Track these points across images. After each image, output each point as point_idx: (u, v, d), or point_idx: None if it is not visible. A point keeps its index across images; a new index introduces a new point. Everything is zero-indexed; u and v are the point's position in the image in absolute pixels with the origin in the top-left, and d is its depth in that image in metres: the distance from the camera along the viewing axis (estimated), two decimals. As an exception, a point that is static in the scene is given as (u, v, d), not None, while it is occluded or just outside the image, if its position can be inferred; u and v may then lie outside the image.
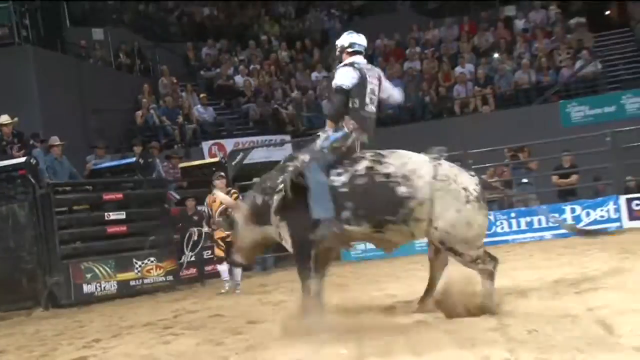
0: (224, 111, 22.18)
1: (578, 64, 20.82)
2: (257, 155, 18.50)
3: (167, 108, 20.52)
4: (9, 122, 13.58)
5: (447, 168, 6.55)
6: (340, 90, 6.99)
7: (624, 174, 15.55)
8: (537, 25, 22.84)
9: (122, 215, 13.73)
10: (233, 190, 12.14)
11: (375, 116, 7.22)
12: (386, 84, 7.43)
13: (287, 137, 20.42)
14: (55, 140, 14.30)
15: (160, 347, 7.53)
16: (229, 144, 19.51)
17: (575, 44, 21.44)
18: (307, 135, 20.55)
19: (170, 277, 13.83)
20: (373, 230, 6.61)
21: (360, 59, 7.32)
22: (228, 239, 11.33)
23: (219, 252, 12.16)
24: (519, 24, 23.15)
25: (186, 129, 20.25)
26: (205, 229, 12.28)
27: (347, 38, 7.50)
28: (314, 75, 23.01)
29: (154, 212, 14.41)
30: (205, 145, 19.62)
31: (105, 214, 13.61)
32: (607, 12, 25.03)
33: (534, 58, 21.34)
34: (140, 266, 13.46)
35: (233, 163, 16.66)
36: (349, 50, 7.39)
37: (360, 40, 7.50)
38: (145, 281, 13.55)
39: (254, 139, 20.03)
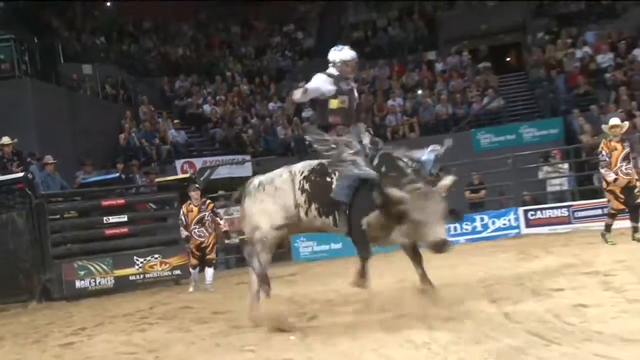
0: (194, 134, 22.08)
1: (485, 99, 21.22)
2: (222, 172, 18.47)
3: (145, 132, 20.35)
4: (10, 142, 13.58)
5: None
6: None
7: (522, 189, 15.89)
8: (453, 68, 23.18)
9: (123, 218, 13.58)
10: (209, 201, 11.86)
11: None
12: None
13: (248, 157, 20.39)
14: (49, 158, 14.16)
15: (137, 334, 7.47)
16: (198, 162, 19.44)
17: (482, 83, 21.84)
18: (264, 155, 20.60)
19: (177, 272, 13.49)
20: None
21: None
22: (203, 246, 11.49)
23: (194, 260, 11.75)
24: (439, 66, 23.45)
25: (162, 149, 20.11)
26: (184, 233, 11.65)
27: (332, 55, 7.30)
28: (271, 105, 23.03)
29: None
30: (178, 163, 19.51)
31: (104, 218, 13.44)
32: (508, 59, 25.69)
33: (451, 94, 21.67)
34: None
35: (202, 178, 16.56)
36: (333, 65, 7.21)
37: (342, 55, 7.24)
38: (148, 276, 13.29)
39: (220, 158, 19.97)
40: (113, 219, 13.30)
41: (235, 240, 15.80)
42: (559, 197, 15.57)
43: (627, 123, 11.37)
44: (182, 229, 11.62)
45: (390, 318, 5.93)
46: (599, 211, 14.11)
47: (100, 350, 6.80)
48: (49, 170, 14.04)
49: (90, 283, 12.85)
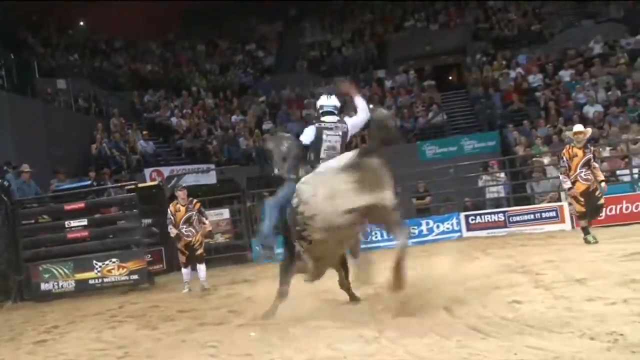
0: (162, 145, 21.79)
1: (430, 114, 21.44)
2: (188, 180, 18.23)
3: (116, 142, 19.98)
4: (-13, 152, 13.18)
5: None
6: (302, 145, 6.78)
7: (463, 196, 16.11)
8: (400, 85, 23.38)
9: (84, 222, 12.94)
10: (195, 200, 11.17)
11: None
12: (352, 125, 7.17)
13: (212, 166, 20.21)
14: (25, 167, 13.83)
15: (107, 331, 7.36)
16: (165, 170, 19.14)
17: (427, 99, 22.03)
18: (227, 164, 20.48)
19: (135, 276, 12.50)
20: None
21: (328, 119, 6.99)
22: (191, 245, 10.91)
23: (183, 258, 11.09)
24: (388, 83, 23.61)
25: (131, 158, 19.77)
26: (173, 231, 10.84)
27: (319, 102, 7.18)
28: (234, 118, 22.87)
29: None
30: (147, 171, 19.17)
31: (66, 222, 12.88)
32: (450, 77, 26.10)
33: (399, 109, 21.84)
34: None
35: (169, 186, 16.35)
36: (320, 111, 7.09)
37: (329, 101, 7.13)
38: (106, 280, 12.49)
39: (186, 167, 19.74)
40: (74, 223, 12.69)
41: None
42: (496, 203, 15.80)
43: (589, 129, 11.33)
44: (170, 227, 10.89)
45: (341, 313, 5.94)
46: (532, 216, 14.41)
47: (71, 347, 6.68)
48: (24, 178, 13.72)
49: (53, 286, 12.41)
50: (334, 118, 7.01)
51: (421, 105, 21.82)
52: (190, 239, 10.94)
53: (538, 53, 22.79)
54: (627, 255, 8.31)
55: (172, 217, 10.93)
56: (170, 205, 11.18)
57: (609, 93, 19.40)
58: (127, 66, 25.17)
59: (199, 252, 11.03)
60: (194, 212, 10.96)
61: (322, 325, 5.81)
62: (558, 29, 24.08)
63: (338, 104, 7.22)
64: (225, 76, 25.90)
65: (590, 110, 18.79)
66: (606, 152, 15.84)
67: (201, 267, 11.01)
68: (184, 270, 11.15)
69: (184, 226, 10.87)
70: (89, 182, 15.52)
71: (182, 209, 10.94)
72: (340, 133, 6.97)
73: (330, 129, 6.91)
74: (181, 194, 11.03)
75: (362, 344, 5.08)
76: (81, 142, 19.70)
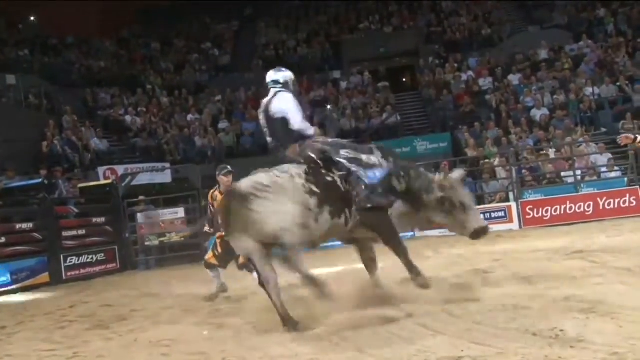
0: (116, 143, 21.41)
1: (384, 115, 21.63)
2: (143, 178, 17.98)
3: (69, 140, 19.52)
4: None
5: None
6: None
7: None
8: (355, 86, 23.51)
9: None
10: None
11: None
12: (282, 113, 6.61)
13: (167, 165, 19.97)
14: (-26, 164, 13.37)
15: (57, 332, 7.20)
16: (120, 169, 18.78)
17: (382, 101, 22.23)
18: (183, 163, 20.25)
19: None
20: None
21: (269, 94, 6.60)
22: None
23: (213, 260, 8.45)
24: (343, 84, 23.75)
25: (85, 157, 19.36)
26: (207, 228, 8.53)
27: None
28: (189, 116, 22.63)
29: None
30: (101, 169, 18.80)
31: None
32: (404, 79, 26.40)
33: (354, 110, 21.98)
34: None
35: (123, 184, 16.09)
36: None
37: (273, 75, 6.75)
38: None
39: (140, 165, 19.42)
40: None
41: (155, 242, 15.46)
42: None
43: None
44: (205, 223, 8.55)
45: (297, 314, 5.95)
46: (481, 216, 14.66)
47: (20, 348, 6.51)
48: (-27, 176, 13.29)
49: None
50: (272, 92, 6.54)
51: (375, 106, 21.99)
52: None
53: (488, 57, 23.27)
54: (569, 255, 8.58)
55: (211, 207, 8.56)
56: (209, 193, 8.87)
57: (555, 97, 19.95)
58: (79, 63, 24.61)
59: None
60: None
61: (273, 324, 5.81)
62: (507, 34, 24.63)
63: (281, 78, 6.70)
64: (181, 75, 25.60)
65: (537, 114, 19.30)
66: (551, 154, 16.29)
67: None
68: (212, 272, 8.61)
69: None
70: (39, 181, 15.15)
71: (220, 197, 8.13)
72: (263, 115, 6.59)
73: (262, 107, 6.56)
74: (225, 180, 8.37)
75: (315, 343, 5.10)
76: (32, 140, 19.16)
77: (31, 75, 22.06)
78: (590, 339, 4.35)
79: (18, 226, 13.13)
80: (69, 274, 13.41)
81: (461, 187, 6.55)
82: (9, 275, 12.33)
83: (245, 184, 5.75)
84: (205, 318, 6.71)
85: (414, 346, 4.66)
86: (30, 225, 13.27)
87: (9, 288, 12.18)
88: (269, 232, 5.53)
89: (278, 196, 5.63)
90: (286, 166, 6.04)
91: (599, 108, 19.31)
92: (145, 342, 5.99)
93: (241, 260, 8.04)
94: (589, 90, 19.67)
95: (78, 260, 13.64)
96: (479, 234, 6.59)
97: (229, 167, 8.60)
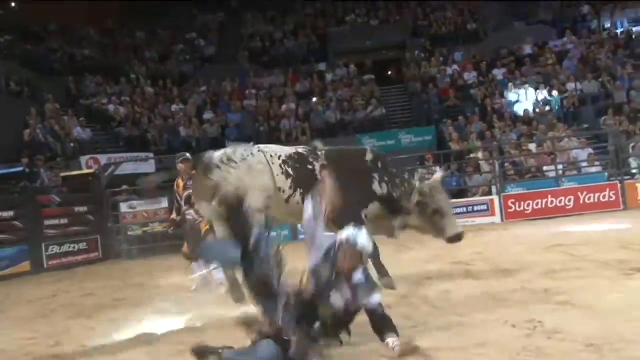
0: (99, 132, 21.19)
1: (369, 108, 21.64)
2: (127, 168, 17.87)
3: (51, 128, 19.32)
4: None
5: None
6: None
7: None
8: (341, 78, 23.47)
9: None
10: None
11: None
12: None
13: (151, 154, 19.85)
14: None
15: (38, 320, 7.16)
16: (103, 158, 18.62)
17: (367, 93, 22.24)
18: (166, 153, 20.13)
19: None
20: None
21: None
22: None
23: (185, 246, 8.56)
24: (329, 76, 23.68)
25: (67, 145, 19.16)
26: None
27: None
28: (173, 107, 22.48)
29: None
30: (83, 159, 18.60)
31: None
32: (389, 72, 26.42)
33: (339, 102, 21.97)
34: None
35: (106, 174, 16.00)
36: None
37: None
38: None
39: (124, 155, 19.28)
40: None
41: (138, 232, 15.38)
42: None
43: None
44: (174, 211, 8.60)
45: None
46: (464, 209, 14.79)
47: (1, 336, 6.46)
48: (-48, 163, 13.13)
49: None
50: None
51: (361, 99, 21.99)
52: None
53: (473, 51, 23.37)
54: (549, 247, 8.69)
55: (177, 195, 8.72)
56: (176, 180, 8.89)
57: (538, 92, 20.10)
58: (62, 51, 24.31)
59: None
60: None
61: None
62: (492, 29, 24.75)
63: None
64: (165, 64, 25.40)
65: (520, 108, 19.45)
66: (533, 149, 16.44)
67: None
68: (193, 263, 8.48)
69: (186, 206, 8.44)
70: (21, 169, 15.01)
71: (181, 183, 8.65)
72: None
73: None
74: (182, 167, 8.70)
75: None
76: (12, 128, 18.89)
77: (12, 61, 21.74)
78: (568, 330, 4.43)
79: (-1, 214, 13.00)
80: (50, 262, 13.32)
81: (439, 193, 6.74)
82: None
83: (214, 154, 6.51)
84: (189, 307, 6.71)
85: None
86: (11, 213, 13.15)
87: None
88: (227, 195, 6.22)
89: (239, 171, 6.32)
90: (272, 146, 6.82)
91: (582, 103, 19.49)
92: (128, 331, 5.99)
93: (184, 249, 8.68)
94: (571, 85, 19.85)
95: (60, 249, 13.55)
96: (454, 239, 6.79)
97: (186, 154, 9.07)
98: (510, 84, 20.66)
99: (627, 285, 5.80)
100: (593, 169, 15.47)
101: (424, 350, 4.25)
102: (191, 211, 8.29)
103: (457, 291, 6.34)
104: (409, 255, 9.38)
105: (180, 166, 8.79)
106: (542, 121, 18.22)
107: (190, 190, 7.84)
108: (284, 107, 21.91)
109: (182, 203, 8.54)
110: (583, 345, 4.08)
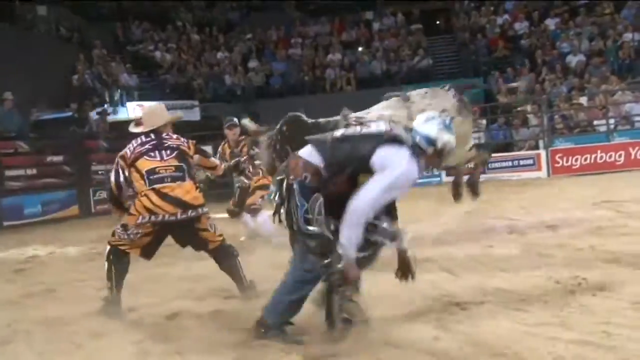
0: (146, 79, 21.42)
1: (416, 59, 21.24)
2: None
3: (98, 74, 19.59)
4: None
5: None
6: None
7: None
8: (388, 28, 23.05)
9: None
10: (243, 142, 8.06)
11: None
12: None
13: (196, 102, 19.99)
14: (8, 95, 13.52)
15: (87, 263, 7.32)
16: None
17: (414, 44, 21.82)
18: (211, 102, 20.26)
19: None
20: None
21: None
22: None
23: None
24: (376, 25, 23.24)
25: (114, 92, 19.44)
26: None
27: None
28: (219, 55, 22.49)
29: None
30: (130, 105, 18.89)
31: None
32: (437, 22, 25.68)
33: (385, 52, 21.61)
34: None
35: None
36: None
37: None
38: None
39: (169, 102, 19.38)
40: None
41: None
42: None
43: None
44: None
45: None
46: (509, 163, 14.56)
47: (53, 276, 6.68)
48: (7, 107, 13.45)
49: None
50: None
51: (408, 49, 21.58)
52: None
53: (525, 0, 22.49)
54: (597, 204, 8.49)
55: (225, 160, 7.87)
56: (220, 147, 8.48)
57: (592, 43, 19.31)
58: (110, -3, 24.41)
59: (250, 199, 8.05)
60: (243, 158, 7.58)
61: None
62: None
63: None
64: (212, 12, 25.30)
65: (573, 60, 18.74)
66: (584, 102, 15.92)
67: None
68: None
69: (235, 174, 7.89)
70: (70, 114, 15.33)
71: (228, 151, 8.22)
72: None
73: None
74: (230, 133, 8.19)
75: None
76: (62, 73, 19.19)
77: (62, 6, 21.93)
78: (614, 287, 4.35)
79: (49, 159, 13.36)
80: (98, 207, 13.62)
81: None
82: (39, 207, 12.64)
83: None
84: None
85: (436, 290, 4.70)
86: (61, 158, 13.47)
87: (40, 219, 12.49)
88: None
89: None
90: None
91: (638, 55, 18.65)
92: (174, 276, 6.13)
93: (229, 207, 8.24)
94: (628, 36, 18.96)
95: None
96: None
97: (234, 119, 8.26)
98: (563, 34, 19.89)
99: (678, 244, 5.64)
100: (647, 124, 14.91)
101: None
102: (241, 178, 8.02)
103: (500, 247, 6.27)
104: (451, 209, 9.28)
105: (227, 132, 8.18)
106: (595, 74, 17.55)
107: (239, 159, 7.22)
108: (329, 56, 21.67)
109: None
110: (629, 303, 4.00)
